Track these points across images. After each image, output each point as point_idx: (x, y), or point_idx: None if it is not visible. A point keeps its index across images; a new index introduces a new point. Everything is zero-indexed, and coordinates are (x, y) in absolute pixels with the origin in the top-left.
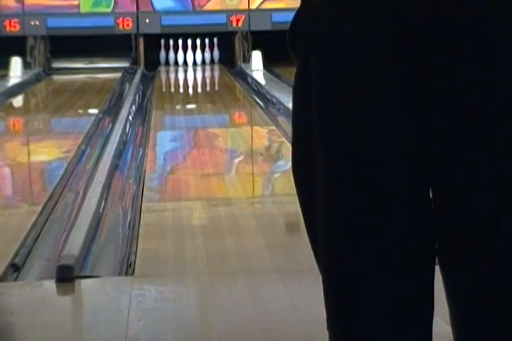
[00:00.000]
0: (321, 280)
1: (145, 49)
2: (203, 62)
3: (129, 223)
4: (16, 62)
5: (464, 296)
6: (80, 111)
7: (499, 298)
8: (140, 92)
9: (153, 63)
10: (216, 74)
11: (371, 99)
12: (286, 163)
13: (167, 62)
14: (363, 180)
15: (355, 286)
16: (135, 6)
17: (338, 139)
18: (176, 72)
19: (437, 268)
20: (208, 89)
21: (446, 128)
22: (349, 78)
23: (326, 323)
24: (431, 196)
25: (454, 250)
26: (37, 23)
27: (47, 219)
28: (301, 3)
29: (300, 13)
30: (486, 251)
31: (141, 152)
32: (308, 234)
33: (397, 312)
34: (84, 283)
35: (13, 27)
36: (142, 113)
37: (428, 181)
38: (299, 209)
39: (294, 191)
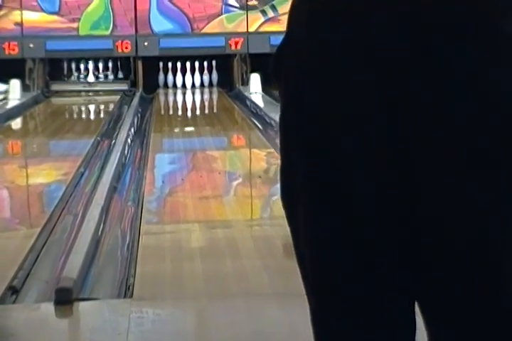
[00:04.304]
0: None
1: (144, 72)
2: (202, 84)
3: (128, 245)
4: (14, 85)
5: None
6: (79, 133)
7: None
8: (139, 115)
9: (151, 86)
10: (214, 96)
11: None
12: None
13: (166, 85)
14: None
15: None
16: (134, 28)
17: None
18: (175, 94)
19: None
20: (207, 111)
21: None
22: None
23: None
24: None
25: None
26: (36, 45)
27: (45, 242)
28: (286, 37)
29: (285, 47)
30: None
31: (139, 174)
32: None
33: None
34: (83, 305)
35: (11, 49)
36: (141, 135)
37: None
38: None
39: None
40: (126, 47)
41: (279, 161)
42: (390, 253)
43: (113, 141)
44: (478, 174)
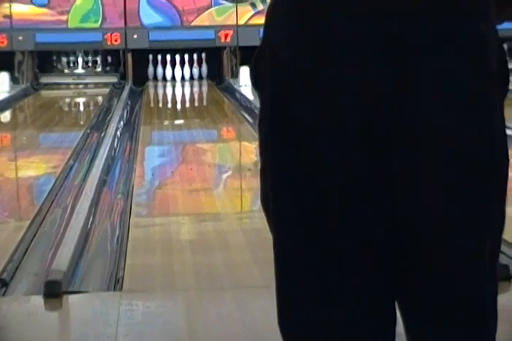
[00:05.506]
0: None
1: (133, 64)
2: (191, 77)
3: (117, 238)
4: (3, 78)
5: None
6: (68, 126)
7: None
8: (128, 108)
9: (141, 78)
10: (204, 89)
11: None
12: None
13: (155, 78)
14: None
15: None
16: (123, 21)
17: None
18: (164, 87)
19: None
20: (196, 104)
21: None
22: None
23: None
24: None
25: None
26: (25, 38)
27: (35, 234)
28: (263, 42)
29: (263, 51)
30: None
31: (129, 167)
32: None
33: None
34: (72, 298)
35: (0, 42)
36: (130, 128)
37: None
38: None
39: None
40: (116, 40)
41: None
42: (374, 247)
43: (102, 134)
44: (466, 173)
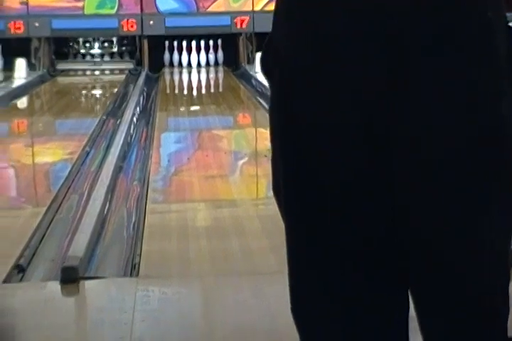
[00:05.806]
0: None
1: (149, 50)
2: (207, 63)
3: (134, 224)
4: (20, 64)
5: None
6: (85, 112)
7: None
8: (144, 94)
9: (157, 65)
10: (220, 75)
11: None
12: None
13: (171, 64)
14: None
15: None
16: (139, 7)
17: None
18: (180, 73)
19: None
20: (212, 90)
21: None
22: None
23: None
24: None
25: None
26: (41, 24)
27: (51, 221)
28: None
29: (270, 43)
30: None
31: (145, 154)
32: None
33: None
34: (89, 284)
35: (17, 28)
36: (146, 114)
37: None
38: None
39: None
40: (132, 26)
41: None
42: (376, 241)
43: (119, 120)
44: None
